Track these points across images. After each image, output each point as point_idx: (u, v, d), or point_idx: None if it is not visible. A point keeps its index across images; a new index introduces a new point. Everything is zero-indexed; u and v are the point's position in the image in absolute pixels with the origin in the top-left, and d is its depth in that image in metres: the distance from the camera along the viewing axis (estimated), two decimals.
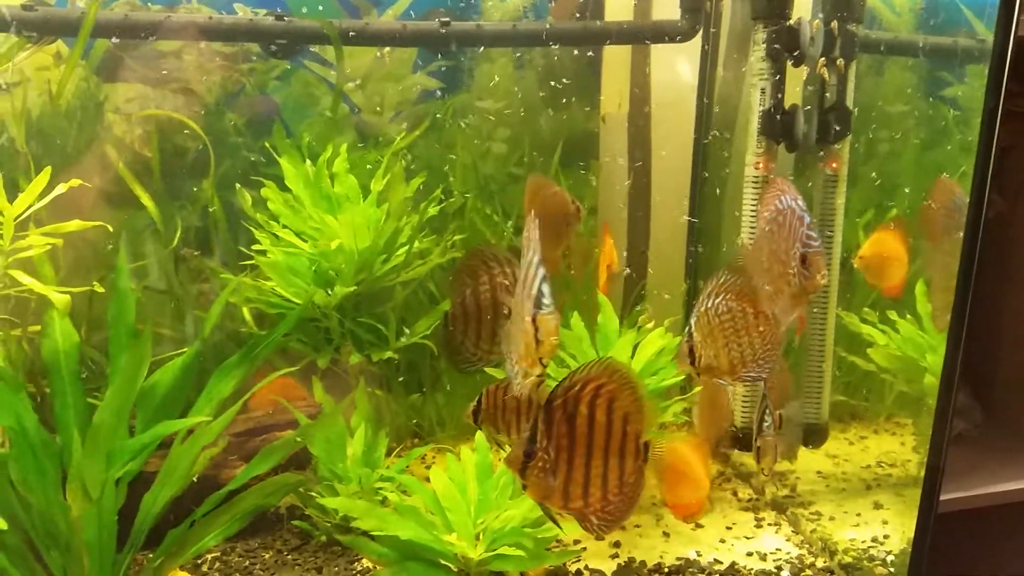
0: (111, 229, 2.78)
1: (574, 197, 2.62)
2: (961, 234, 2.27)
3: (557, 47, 3.54)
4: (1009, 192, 3.21)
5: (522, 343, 1.81)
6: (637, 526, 3.11)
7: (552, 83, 3.82)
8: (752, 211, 2.90)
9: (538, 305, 1.78)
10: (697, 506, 2.62)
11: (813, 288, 2.03)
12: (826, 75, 2.81)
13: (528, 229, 1.87)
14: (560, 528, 2.45)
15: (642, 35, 3.63)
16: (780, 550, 2.96)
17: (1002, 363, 3.38)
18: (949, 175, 3.22)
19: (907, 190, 3.55)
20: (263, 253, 3.17)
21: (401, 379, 3.60)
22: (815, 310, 3.06)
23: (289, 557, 2.90)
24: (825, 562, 2.87)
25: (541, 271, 1.80)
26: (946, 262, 2.48)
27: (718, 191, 3.64)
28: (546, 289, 1.79)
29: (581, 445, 1.81)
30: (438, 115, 3.75)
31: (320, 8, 3.31)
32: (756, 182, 2.90)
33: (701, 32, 3.46)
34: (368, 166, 3.43)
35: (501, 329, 2.19)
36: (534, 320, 1.77)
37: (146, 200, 3.12)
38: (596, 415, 1.80)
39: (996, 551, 3.18)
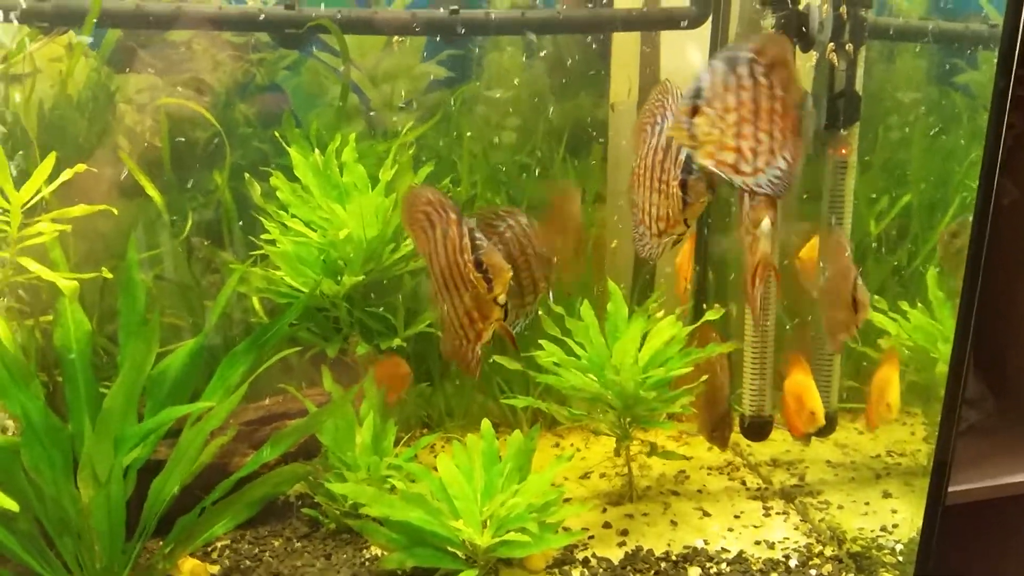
0: (115, 212, 2.77)
1: None
2: None
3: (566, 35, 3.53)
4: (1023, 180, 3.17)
5: (664, 207, 1.97)
6: (645, 514, 3.11)
7: (561, 71, 3.81)
8: None
9: (687, 171, 1.93)
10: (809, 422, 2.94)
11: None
12: (835, 61, 2.78)
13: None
14: None
15: (652, 22, 3.62)
16: (788, 539, 2.95)
17: (1016, 353, 3.35)
18: (959, 162, 3.20)
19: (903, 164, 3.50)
20: (272, 243, 3.19)
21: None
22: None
23: (298, 545, 2.92)
24: (833, 551, 2.86)
25: (684, 151, 1.94)
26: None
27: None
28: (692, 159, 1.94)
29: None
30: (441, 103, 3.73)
31: None
32: None
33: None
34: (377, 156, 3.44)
35: None
36: (684, 184, 1.93)
37: (151, 191, 3.13)
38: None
39: (1009, 541, 3.16)
